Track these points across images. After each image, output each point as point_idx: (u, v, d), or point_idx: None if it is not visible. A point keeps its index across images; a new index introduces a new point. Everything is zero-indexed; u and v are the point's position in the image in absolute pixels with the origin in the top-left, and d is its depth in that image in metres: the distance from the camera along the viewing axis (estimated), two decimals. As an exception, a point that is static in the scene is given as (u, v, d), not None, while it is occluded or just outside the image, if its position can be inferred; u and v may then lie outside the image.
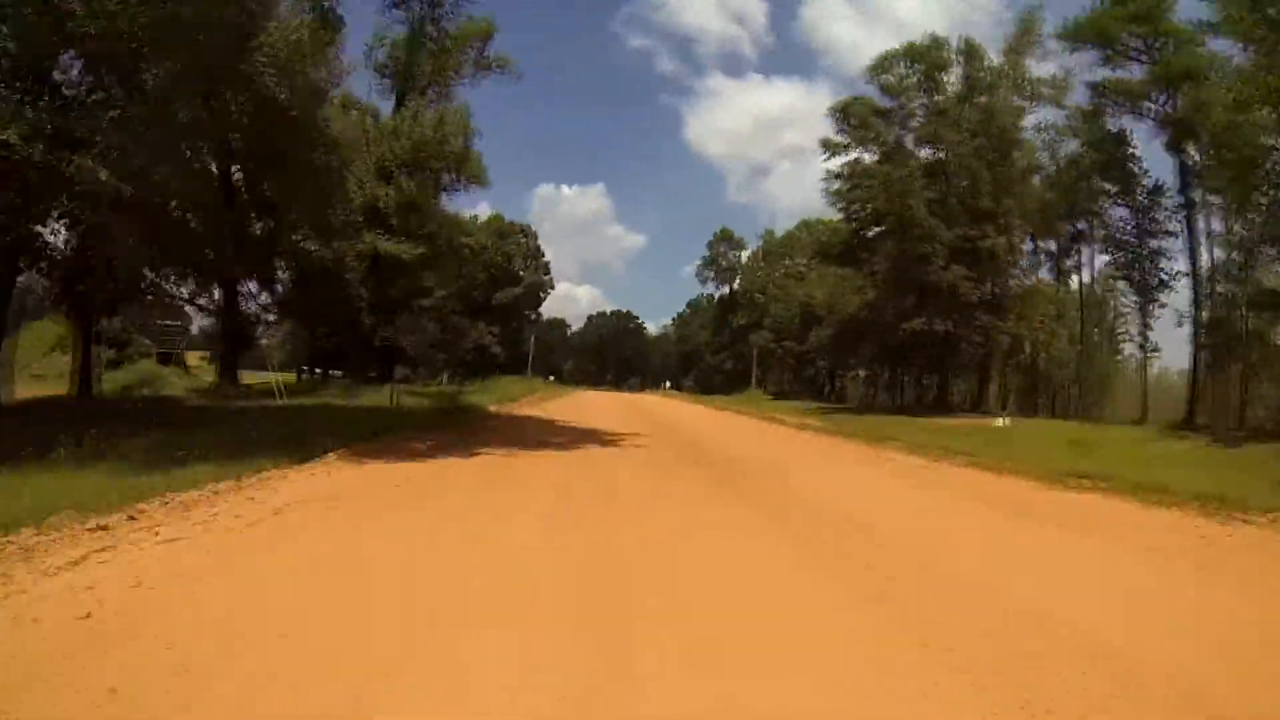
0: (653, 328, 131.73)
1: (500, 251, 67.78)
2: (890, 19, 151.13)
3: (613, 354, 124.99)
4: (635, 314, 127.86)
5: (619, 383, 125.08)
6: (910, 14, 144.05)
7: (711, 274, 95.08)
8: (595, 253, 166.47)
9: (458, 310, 48.28)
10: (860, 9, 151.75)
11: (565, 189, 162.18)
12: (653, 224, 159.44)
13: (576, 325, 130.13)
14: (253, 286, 26.96)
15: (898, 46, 37.71)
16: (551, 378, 70.12)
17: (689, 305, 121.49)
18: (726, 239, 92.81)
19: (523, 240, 73.83)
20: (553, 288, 78.64)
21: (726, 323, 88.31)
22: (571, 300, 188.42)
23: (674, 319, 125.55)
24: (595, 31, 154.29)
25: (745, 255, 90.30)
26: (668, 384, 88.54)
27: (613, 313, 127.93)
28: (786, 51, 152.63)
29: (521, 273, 72.07)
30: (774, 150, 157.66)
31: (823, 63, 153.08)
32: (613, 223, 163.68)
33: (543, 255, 76.59)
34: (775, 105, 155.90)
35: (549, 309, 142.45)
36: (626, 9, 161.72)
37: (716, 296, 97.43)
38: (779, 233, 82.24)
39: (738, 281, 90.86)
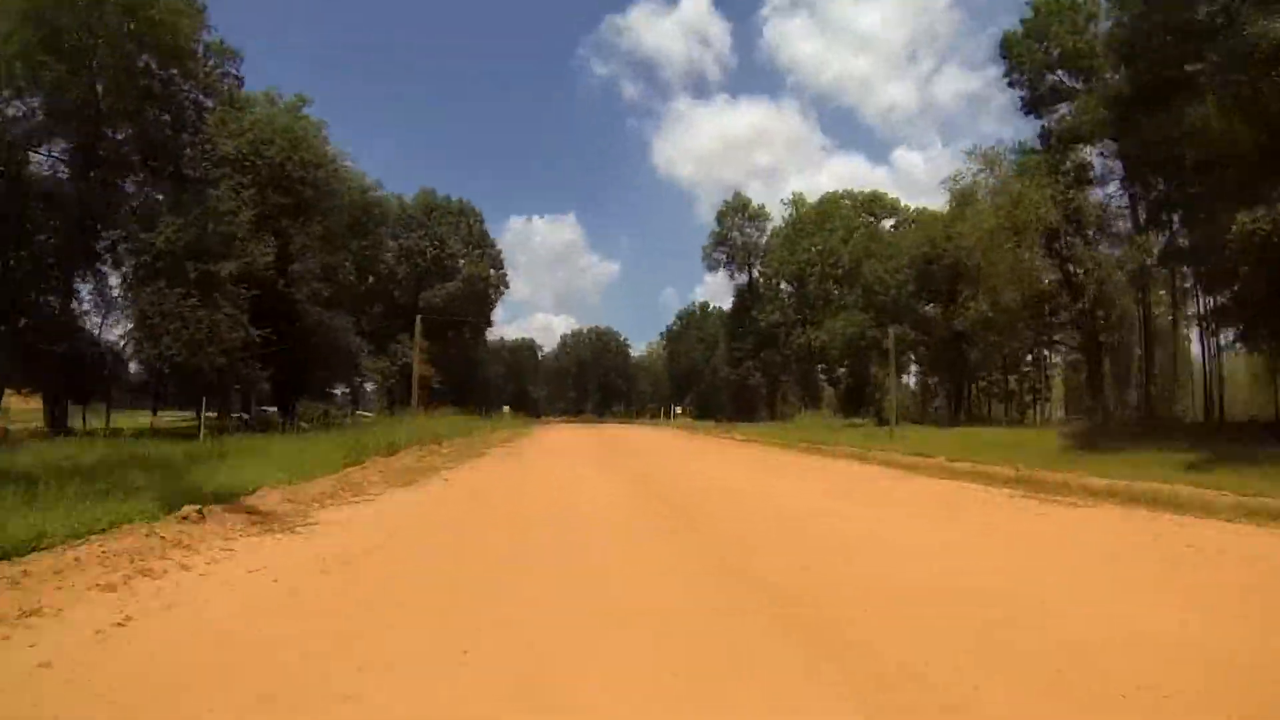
0: (635, 352, 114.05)
1: (429, 235, 49.89)
2: (852, 34, 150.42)
3: (593, 379, 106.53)
4: (617, 331, 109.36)
5: (601, 412, 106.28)
6: (871, 28, 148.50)
7: (723, 256, 71.67)
8: (570, 283, 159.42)
9: (321, 301, 29.94)
10: (823, 26, 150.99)
11: (537, 220, 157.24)
12: (625, 251, 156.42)
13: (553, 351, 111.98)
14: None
15: None
16: (506, 409, 51.55)
17: (679, 317, 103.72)
18: (741, 208, 70.74)
19: (462, 222, 55.20)
20: (506, 287, 60.00)
21: (746, 322, 67.67)
22: (548, 331, 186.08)
23: (662, 334, 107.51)
24: (561, 60, 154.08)
25: (768, 231, 69.31)
26: (677, 409, 67.87)
27: (590, 330, 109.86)
28: (751, 72, 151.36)
29: (461, 261, 53.40)
30: (744, 170, 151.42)
31: (789, 81, 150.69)
32: (586, 252, 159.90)
33: (493, 244, 58.06)
34: (743, 126, 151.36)
35: (517, 331, 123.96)
36: (590, 36, 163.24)
37: (733, 288, 73.95)
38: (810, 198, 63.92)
39: (758, 268, 69.59)
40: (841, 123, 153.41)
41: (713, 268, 72.59)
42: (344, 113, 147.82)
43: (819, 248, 54.98)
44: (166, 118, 27.74)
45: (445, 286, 49.02)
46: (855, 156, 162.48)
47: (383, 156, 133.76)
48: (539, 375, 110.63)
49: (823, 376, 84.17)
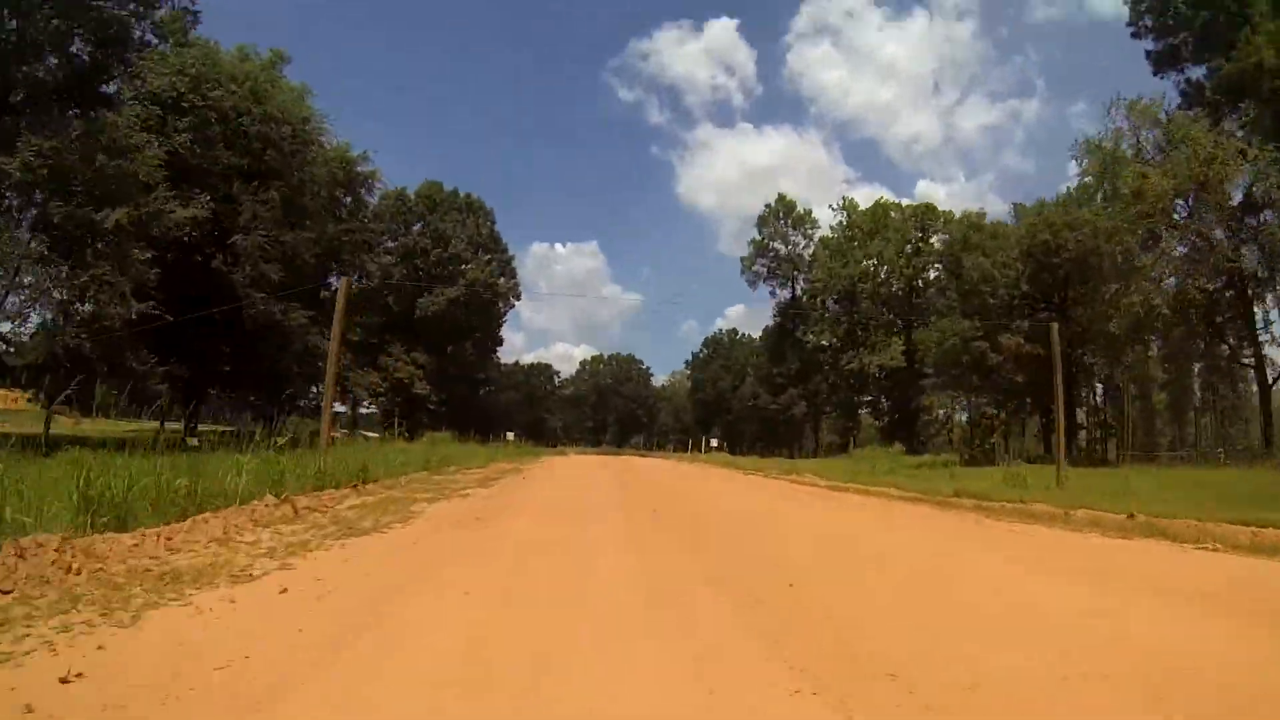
0: (656, 382, 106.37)
1: (430, 232, 43.10)
2: (876, 63, 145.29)
3: (613, 408, 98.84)
4: (639, 359, 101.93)
5: (620, 443, 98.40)
6: (895, 58, 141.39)
7: (764, 268, 62.23)
8: (592, 313, 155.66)
9: (269, 287, 22.91)
10: (847, 54, 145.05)
11: (559, 247, 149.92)
12: (648, 282, 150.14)
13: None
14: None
15: None
16: (511, 435, 43.92)
17: (705, 344, 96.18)
18: (785, 212, 61.68)
19: (469, 219, 48.05)
20: (518, 298, 52.17)
21: (789, 345, 59.57)
22: (568, 361, 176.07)
23: (687, 362, 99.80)
24: (585, 84, 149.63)
25: (813, 241, 60.81)
26: (712, 442, 58.54)
27: (611, 357, 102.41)
28: (775, 100, 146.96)
29: (466, 266, 46.07)
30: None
31: (812, 110, 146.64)
32: (608, 281, 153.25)
33: (505, 249, 50.67)
34: (766, 154, 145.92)
35: (533, 357, 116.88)
36: (615, 61, 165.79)
37: (774, 306, 64.91)
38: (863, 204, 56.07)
39: (800, 282, 60.95)
40: (864, 154, 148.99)
41: (752, 281, 63.80)
42: (362, 134, 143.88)
43: (872, 260, 47.47)
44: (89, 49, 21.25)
45: (445, 292, 42.03)
46: (878, 188, 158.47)
47: (401, 179, 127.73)
48: (555, 403, 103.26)
49: (865, 409, 76.42)
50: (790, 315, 57.44)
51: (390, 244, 45.11)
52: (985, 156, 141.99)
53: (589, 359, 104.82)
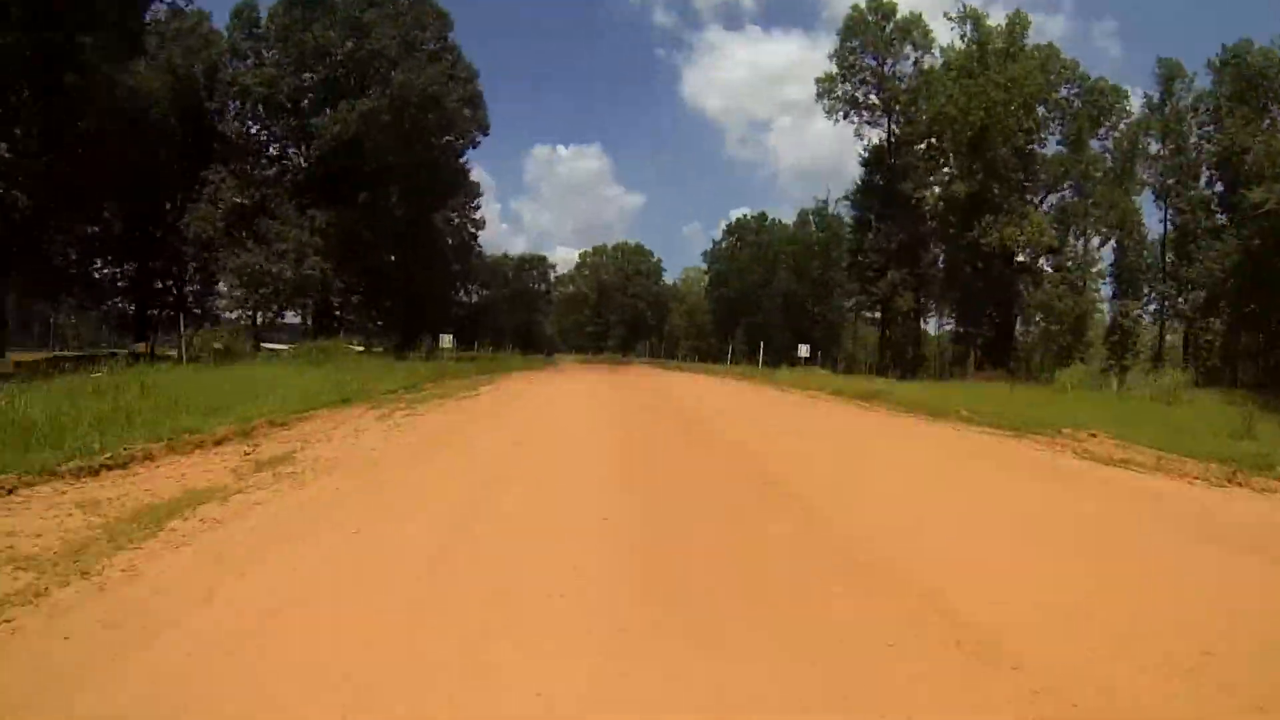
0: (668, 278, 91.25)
1: (341, 20, 26.07)
2: None
3: (617, 306, 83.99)
4: (649, 250, 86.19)
5: (626, 350, 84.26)
6: None
7: (851, 92, 42.32)
8: (594, 215, 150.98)
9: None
10: None
11: (561, 149, 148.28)
12: (651, 182, 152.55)
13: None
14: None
15: None
16: (447, 339, 28.96)
17: (728, 232, 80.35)
18: (883, 16, 40.91)
19: (409, 16, 30.08)
20: (485, 132, 34.51)
21: (882, 214, 42.08)
22: (569, 266, 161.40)
23: (705, 254, 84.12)
24: None
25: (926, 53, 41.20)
26: (801, 351, 40.81)
27: (617, 248, 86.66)
28: (786, 2, 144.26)
29: (397, 72, 28.46)
30: (774, 105, 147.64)
31: (824, 14, 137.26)
32: (611, 183, 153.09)
33: (468, 69, 32.59)
34: (775, 58, 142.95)
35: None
36: None
37: (865, 149, 44.57)
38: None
39: (899, 123, 41.42)
40: None
41: (832, 112, 43.31)
42: None
43: (1008, 94, 30.99)
44: None
45: (356, 104, 26.03)
46: None
47: None
48: (551, 305, 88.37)
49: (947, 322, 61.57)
50: (885, 168, 40.61)
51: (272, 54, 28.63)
52: None
53: (589, 250, 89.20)
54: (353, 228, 27.18)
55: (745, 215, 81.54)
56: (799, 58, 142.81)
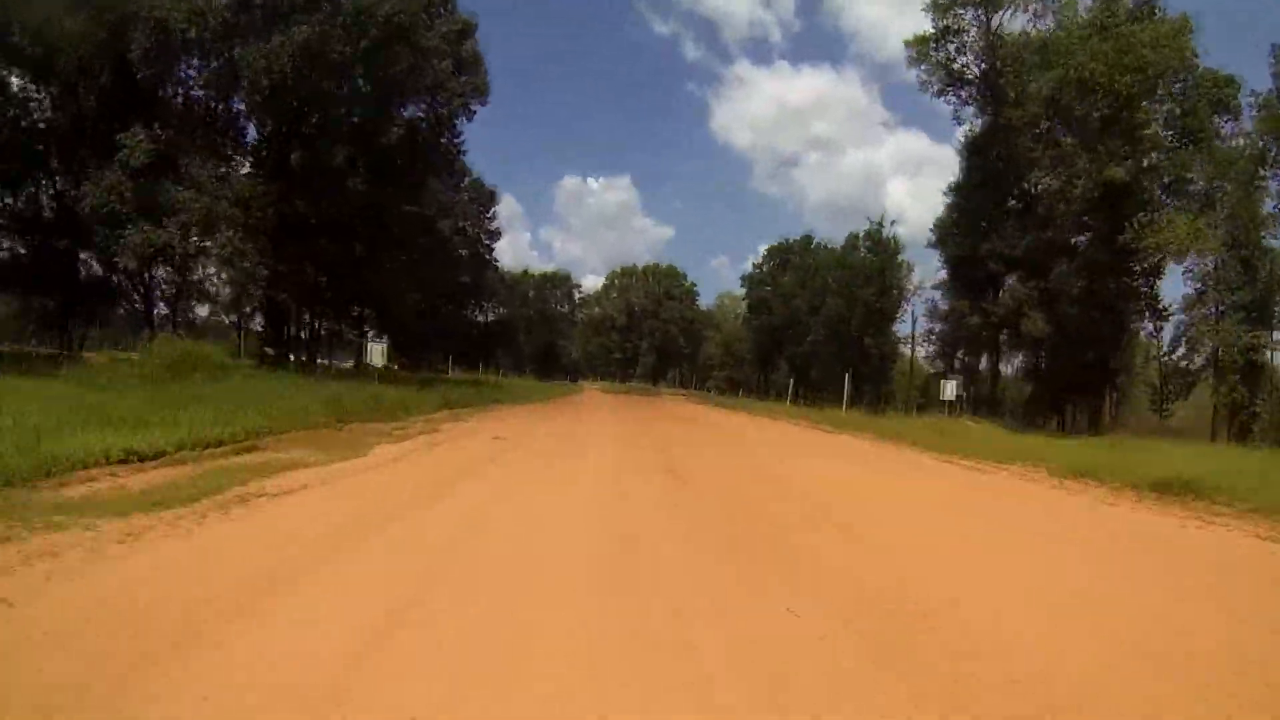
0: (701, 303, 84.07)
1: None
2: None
3: (647, 332, 76.95)
4: (682, 272, 79.36)
5: (656, 378, 76.98)
6: None
7: (950, 60, 33.86)
8: (623, 246, 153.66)
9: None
10: None
11: (591, 181, 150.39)
12: (680, 215, 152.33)
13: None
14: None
15: None
16: (379, 349, 21.90)
17: (770, 255, 73.20)
18: None
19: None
20: (484, 100, 27.10)
21: (994, 200, 33.24)
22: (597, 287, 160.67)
23: (743, 279, 76.82)
24: (619, 16, 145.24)
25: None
26: (948, 389, 31.02)
27: (648, 270, 79.83)
28: (814, 37, 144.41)
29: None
30: (802, 141, 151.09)
31: (852, 49, 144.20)
32: (640, 215, 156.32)
33: (464, 22, 26.21)
34: (803, 93, 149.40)
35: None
36: None
37: (964, 141, 36.83)
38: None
39: (998, 95, 32.29)
40: (904, 96, 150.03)
41: (926, 86, 35.28)
42: None
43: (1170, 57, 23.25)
44: None
45: (292, 35, 19.13)
46: (917, 134, 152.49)
47: None
48: (576, 327, 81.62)
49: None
50: (994, 155, 31.20)
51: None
52: None
53: (618, 271, 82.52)
54: (286, 201, 20.54)
55: (787, 239, 74.29)
56: (827, 93, 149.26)
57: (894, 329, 65.08)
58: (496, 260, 62.19)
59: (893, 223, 65.10)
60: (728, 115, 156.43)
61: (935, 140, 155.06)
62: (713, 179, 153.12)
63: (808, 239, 73.64)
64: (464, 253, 57.21)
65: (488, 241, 58.63)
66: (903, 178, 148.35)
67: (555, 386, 46.39)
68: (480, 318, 67.48)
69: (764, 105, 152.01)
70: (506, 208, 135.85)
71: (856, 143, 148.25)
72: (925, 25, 32.64)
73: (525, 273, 75.69)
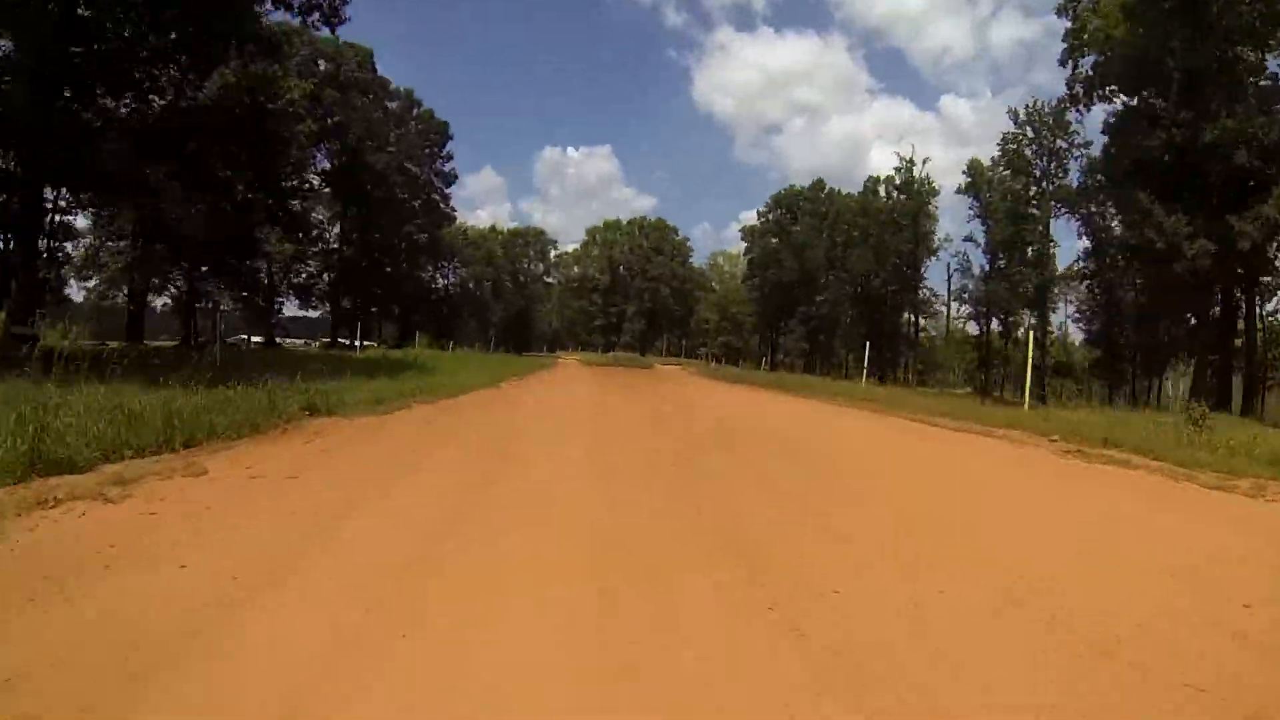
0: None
1: None
2: None
3: (634, 293, 66.62)
4: (673, 226, 68.74)
5: (644, 347, 66.81)
6: None
7: None
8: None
9: None
10: None
11: (572, 151, 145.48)
12: (662, 184, 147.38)
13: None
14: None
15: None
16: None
17: (775, 204, 62.85)
18: None
19: None
20: None
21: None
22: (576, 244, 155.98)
23: (743, 232, 66.69)
24: None
25: None
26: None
27: (633, 224, 69.05)
28: (799, 4, 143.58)
29: None
30: (786, 108, 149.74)
31: (837, 15, 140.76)
32: (621, 185, 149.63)
33: None
34: (787, 60, 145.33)
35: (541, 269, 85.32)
36: None
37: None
38: None
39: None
40: (889, 64, 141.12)
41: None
42: (370, 33, 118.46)
43: None
44: None
45: None
46: (902, 101, 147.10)
47: (408, 78, 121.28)
48: (551, 289, 70.87)
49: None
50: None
51: None
52: (1015, 74, 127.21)
53: (599, 225, 71.40)
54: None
55: (794, 186, 63.68)
56: (811, 60, 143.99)
57: (923, 286, 55.86)
58: (453, 211, 51.17)
59: (925, 160, 54.88)
60: (710, 83, 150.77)
61: (920, 109, 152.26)
62: (695, 147, 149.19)
63: (819, 183, 63.23)
64: (411, 200, 46.25)
65: (441, 185, 47.49)
66: (886, 145, 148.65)
67: (524, 361, 36.18)
68: (439, 279, 56.65)
69: (747, 72, 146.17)
70: (485, 180, 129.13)
71: (841, 110, 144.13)
72: None
73: (493, 229, 64.75)
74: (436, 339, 56.15)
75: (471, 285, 56.68)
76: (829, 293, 55.14)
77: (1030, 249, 43.53)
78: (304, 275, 41.27)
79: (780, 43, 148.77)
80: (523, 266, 64.90)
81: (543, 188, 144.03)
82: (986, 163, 45.13)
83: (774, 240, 61.96)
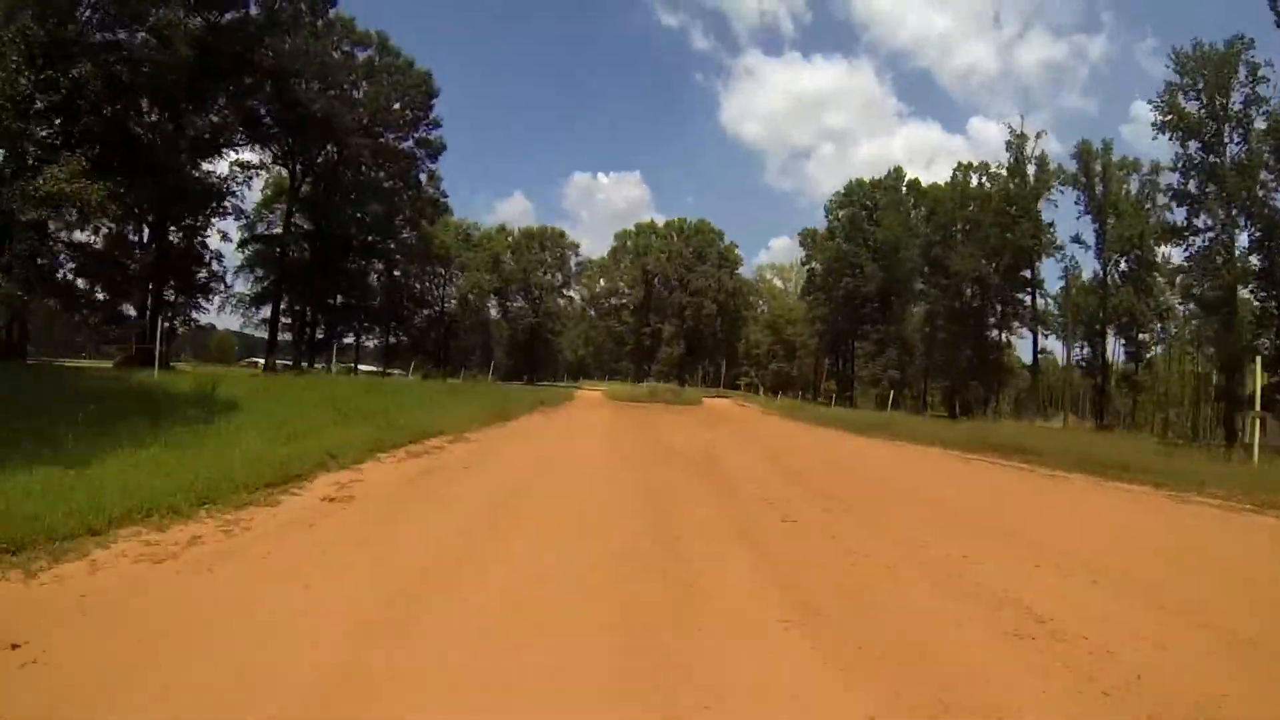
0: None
1: None
2: None
3: (671, 309, 55.09)
4: (718, 230, 57.40)
5: (683, 376, 55.08)
6: None
7: None
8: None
9: None
10: None
11: (602, 177, 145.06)
12: (692, 210, 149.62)
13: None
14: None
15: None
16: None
17: (845, 194, 50.91)
18: None
19: None
20: None
21: None
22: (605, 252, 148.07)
23: (802, 237, 55.03)
24: (627, 8, 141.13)
25: None
26: None
27: (670, 226, 57.81)
28: (826, 27, 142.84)
29: None
30: (814, 132, 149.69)
31: (865, 38, 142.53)
32: (651, 210, 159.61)
33: None
34: (816, 85, 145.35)
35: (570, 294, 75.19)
36: None
37: None
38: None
39: None
40: (917, 86, 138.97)
41: None
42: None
43: None
44: None
45: None
46: (930, 124, 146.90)
47: (439, 107, 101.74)
48: (572, 313, 59.48)
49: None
50: None
51: None
52: (1043, 96, 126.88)
53: (629, 230, 60.03)
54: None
55: (864, 180, 51.76)
56: (840, 84, 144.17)
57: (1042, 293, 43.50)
58: (443, 196, 40.28)
59: (1038, 135, 42.90)
60: (738, 107, 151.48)
61: (948, 131, 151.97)
62: (724, 173, 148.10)
63: (898, 171, 51.28)
64: (387, 179, 35.47)
65: (424, 158, 36.58)
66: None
67: (526, 394, 24.75)
68: (434, 288, 45.50)
69: (775, 97, 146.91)
70: (516, 205, 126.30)
71: (870, 133, 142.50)
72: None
73: (501, 229, 53.83)
74: (437, 365, 45.58)
75: (472, 297, 45.64)
76: (925, 303, 42.93)
77: (1197, 239, 30.86)
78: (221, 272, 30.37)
79: (808, 67, 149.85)
80: (538, 277, 53.67)
81: (573, 212, 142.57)
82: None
83: (844, 245, 49.97)
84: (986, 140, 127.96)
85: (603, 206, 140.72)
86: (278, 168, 32.00)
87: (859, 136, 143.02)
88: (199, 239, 28.32)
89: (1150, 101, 30.33)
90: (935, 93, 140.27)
